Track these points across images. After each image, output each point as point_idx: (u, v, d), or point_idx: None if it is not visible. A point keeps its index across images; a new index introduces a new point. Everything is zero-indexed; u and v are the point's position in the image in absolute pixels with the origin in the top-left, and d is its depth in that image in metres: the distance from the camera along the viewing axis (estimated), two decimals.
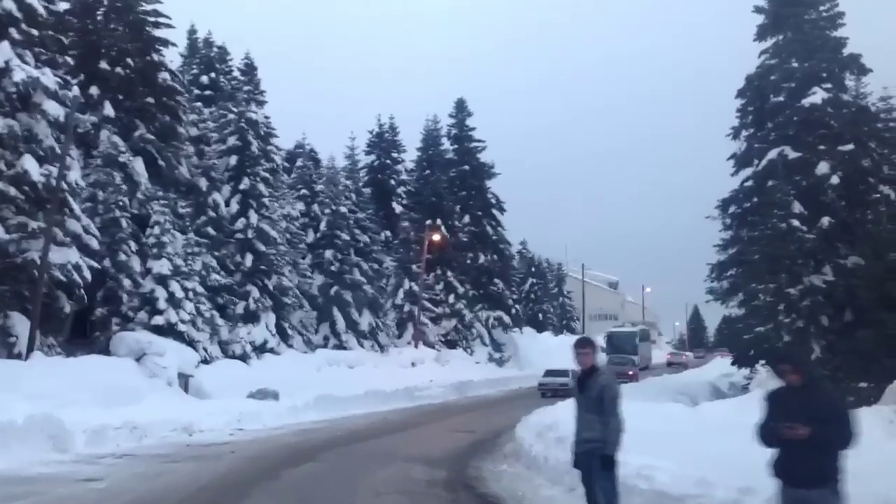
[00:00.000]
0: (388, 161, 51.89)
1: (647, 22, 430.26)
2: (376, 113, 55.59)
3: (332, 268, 38.53)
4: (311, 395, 25.12)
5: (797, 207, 27.85)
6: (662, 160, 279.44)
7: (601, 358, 58.02)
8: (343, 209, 39.73)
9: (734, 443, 9.32)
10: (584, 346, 7.59)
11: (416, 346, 43.11)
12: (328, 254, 38.77)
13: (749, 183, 30.74)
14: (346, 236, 39.36)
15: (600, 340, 71.48)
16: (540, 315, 75.34)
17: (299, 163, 42.38)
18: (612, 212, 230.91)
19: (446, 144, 56.70)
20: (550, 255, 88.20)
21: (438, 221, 47.46)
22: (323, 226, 39.43)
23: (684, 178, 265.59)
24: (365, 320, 39.29)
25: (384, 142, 52.41)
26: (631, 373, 48.15)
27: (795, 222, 27.52)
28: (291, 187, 40.78)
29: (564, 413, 16.57)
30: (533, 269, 78.54)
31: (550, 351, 61.24)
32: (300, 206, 39.74)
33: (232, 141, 34.09)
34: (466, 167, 55.46)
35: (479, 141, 56.64)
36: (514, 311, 55.74)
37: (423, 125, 56.21)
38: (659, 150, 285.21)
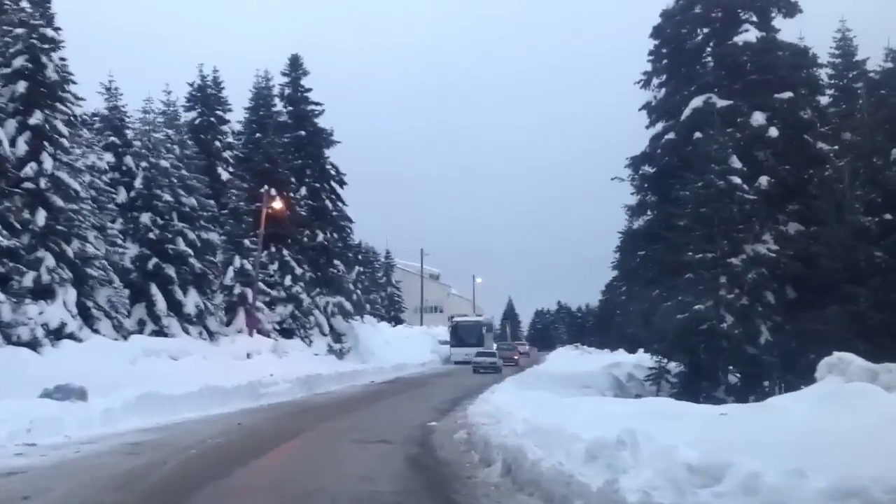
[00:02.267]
0: (213, 119, 43.73)
1: None
2: (198, 63, 46.61)
3: (151, 235, 30.78)
4: (130, 394, 18.68)
5: (736, 163, 23.56)
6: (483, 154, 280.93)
7: (447, 350, 54.42)
8: (164, 164, 31.96)
9: None
10: None
11: (250, 335, 36.01)
12: (145, 218, 30.96)
13: (671, 136, 26.18)
14: (168, 197, 31.62)
15: (440, 332, 67.30)
16: (368, 305, 69.75)
17: (106, 105, 33.93)
18: (434, 203, 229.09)
19: (279, 105, 49.42)
20: (374, 245, 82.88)
21: (273, 192, 40.31)
22: (138, 183, 31.50)
23: (505, 168, 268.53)
24: (191, 301, 31.77)
25: (207, 97, 44.30)
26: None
27: (736, 179, 23.18)
28: (99, 132, 32.52)
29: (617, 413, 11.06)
30: (360, 257, 72.77)
31: (392, 342, 55.89)
32: (109, 156, 31.60)
33: (20, 62, 25.75)
34: (302, 132, 48.45)
35: (316, 104, 49.68)
36: (355, 297, 49.39)
37: (253, 82, 48.61)
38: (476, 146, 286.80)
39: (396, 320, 79.03)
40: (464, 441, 14.05)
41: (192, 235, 32.54)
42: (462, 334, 57.45)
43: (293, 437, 15.50)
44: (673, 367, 27.59)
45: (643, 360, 40.60)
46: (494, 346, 56.60)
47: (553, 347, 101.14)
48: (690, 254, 22.80)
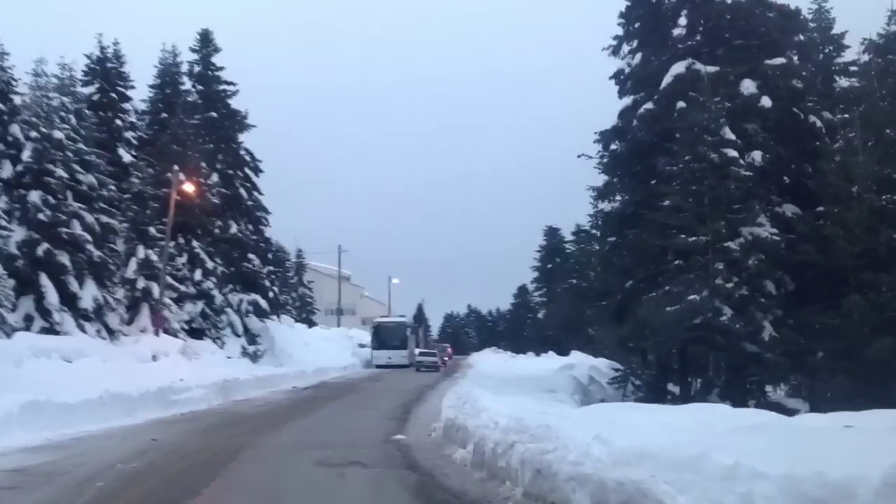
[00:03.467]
0: (114, 95, 39.04)
1: None
2: (97, 33, 41.32)
3: (41, 216, 26.27)
4: (13, 402, 15.32)
5: (729, 134, 20.86)
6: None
7: (368, 353, 51.06)
8: (58, 135, 27.46)
9: None
10: None
11: (156, 335, 31.67)
12: (34, 196, 26.41)
13: (649, 106, 23.29)
14: (62, 173, 27.11)
15: (356, 334, 63.63)
16: None
17: None
18: (342, 204, 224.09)
19: (188, 84, 44.79)
20: (285, 244, 78.30)
21: (182, 176, 35.97)
22: (27, 156, 26.87)
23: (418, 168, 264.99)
24: (88, 294, 27.34)
25: (108, 71, 39.52)
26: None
27: (731, 152, 20.48)
28: None
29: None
30: (271, 256, 68.46)
31: (310, 344, 51.89)
32: None
33: None
34: (214, 114, 43.97)
35: (229, 83, 45.24)
36: (271, 294, 45.15)
37: (159, 57, 43.89)
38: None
39: (309, 322, 74.97)
40: (469, 462, 10.67)
41: (90, 218, 28.14)
42: (384, 336, 54.05)
43: (232, 458, 11.81)
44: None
45: (583, 360, 38.64)
46: (418, 349, 54.33)
47: (465, 351, 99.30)
48: (683, 236, 19.93)
